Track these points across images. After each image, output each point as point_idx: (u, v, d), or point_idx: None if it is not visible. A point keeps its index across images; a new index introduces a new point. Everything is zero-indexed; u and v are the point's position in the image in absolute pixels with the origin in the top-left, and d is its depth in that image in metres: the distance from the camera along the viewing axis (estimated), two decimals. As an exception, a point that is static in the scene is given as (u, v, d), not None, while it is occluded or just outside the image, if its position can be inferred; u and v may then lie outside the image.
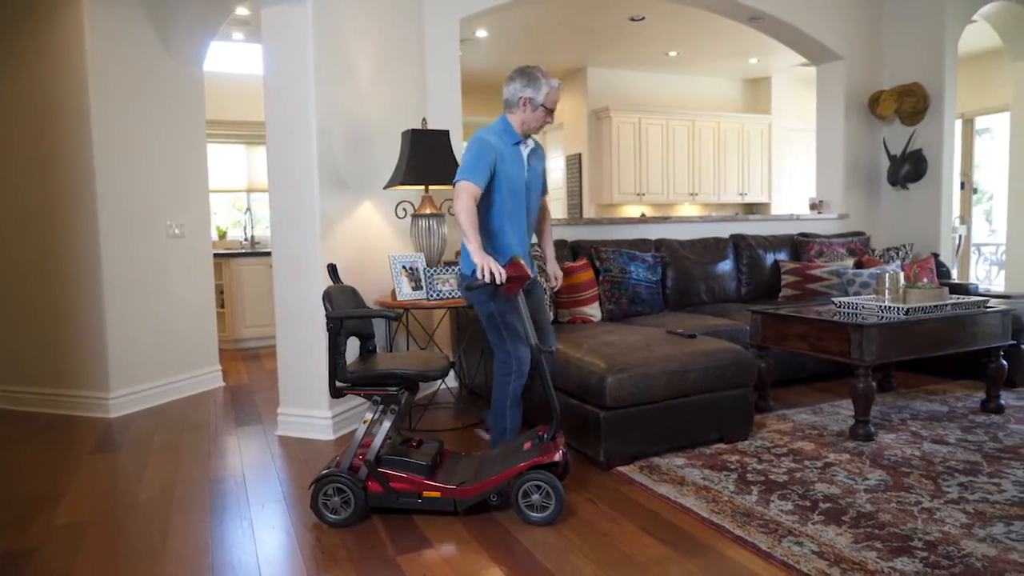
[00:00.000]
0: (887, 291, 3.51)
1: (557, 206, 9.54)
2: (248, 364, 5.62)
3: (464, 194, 2.65)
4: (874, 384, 3.20)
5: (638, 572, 2.11)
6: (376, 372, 2.54)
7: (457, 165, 3.73)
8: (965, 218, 8.72)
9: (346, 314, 2.58)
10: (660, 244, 4.73)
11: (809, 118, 9.25)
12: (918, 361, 4.53)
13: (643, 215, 8.69)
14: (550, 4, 6.25)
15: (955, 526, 2.31)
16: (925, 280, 4.85)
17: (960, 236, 8.40)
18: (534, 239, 3.16)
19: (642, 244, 4.62)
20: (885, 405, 3.80)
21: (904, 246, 5.23)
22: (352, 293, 2.81)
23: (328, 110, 3.53)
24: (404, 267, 3.58)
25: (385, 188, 3.75)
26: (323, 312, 3.32)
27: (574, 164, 9.13)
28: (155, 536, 2.45)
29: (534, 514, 2.45)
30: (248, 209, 7.46)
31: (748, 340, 3.82)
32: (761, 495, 2.62)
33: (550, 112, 2.78)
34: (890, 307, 3.39)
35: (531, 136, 2.87)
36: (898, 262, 5.05)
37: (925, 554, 2.12)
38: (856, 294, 4.60)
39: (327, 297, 2.61)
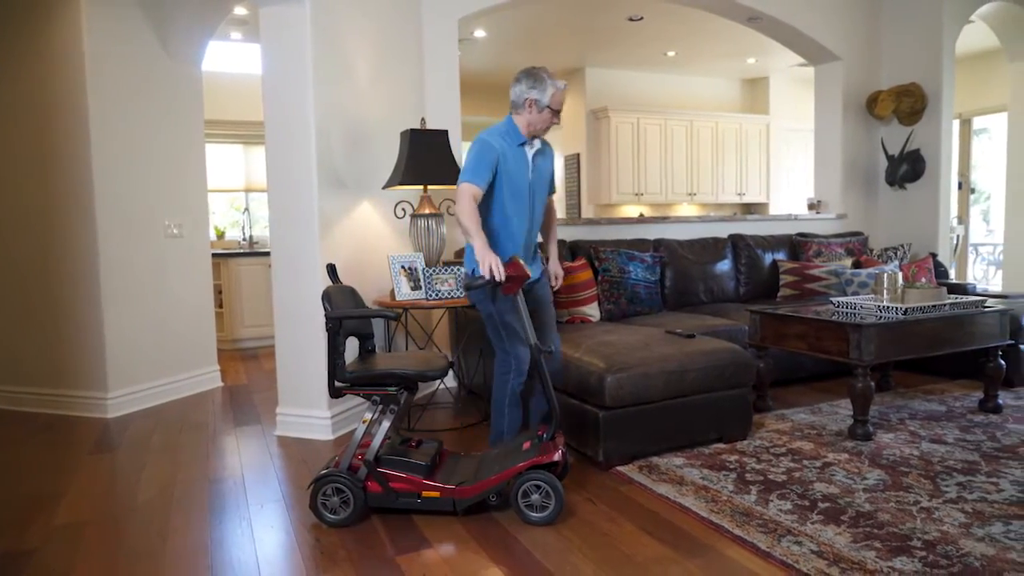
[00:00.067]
0: (885, 291, 3.51)
1: (556, 206, 9.54)
2: (246, 364, 5.62)
3: (465, 196, 2.66)
4: (872, 384, 3.21)
5: (637, 572, 2.11)
6: (375, 372, 2.54)
7: (456, 165, 3.75)
8: (963, 218, 8.74)
9: (345, 314, 2.57)
10: (659, 244, 4.73)
11: (807, 118, 9.26)
12: (916, 361, 4.54)
13: (641, 215, 8.69)
14: (548, 4, 6.25)
15: (953, 525, 2.31)
16: (923, 280, 4.86)
17: (958, 236, 8.41)
18: (539, 239, 3.16)
19: (641, 244, 4.62)
20: (883, 405, 3.80)
21: (902, 246, 5.24)
22: (351, 293, 2.81)
23: (327, 110, 3.53)
24: (403, 267, 3.58)
25: (384, 188, 3.74)
26: (322, 312, 3.32)
27: (572, 164, 9.13)
28: (154, 536, 2.45)
29: (533, 514, 2.45)
30: (246, 209, 7.45)
31: (747, 340, 3.83)
32: (760, 495, 2.62)
33: (556, 113, 2.77)
34: (888, 307, 3.39)
35: (537, 137, 2.85)
36: (896, 262, 5.06)
37: (924, 553, 2.13)
38: (854, 294, 4.61)
39: (326, 297, 2.61)
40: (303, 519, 2.56)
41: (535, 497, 2.45)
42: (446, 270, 3.56)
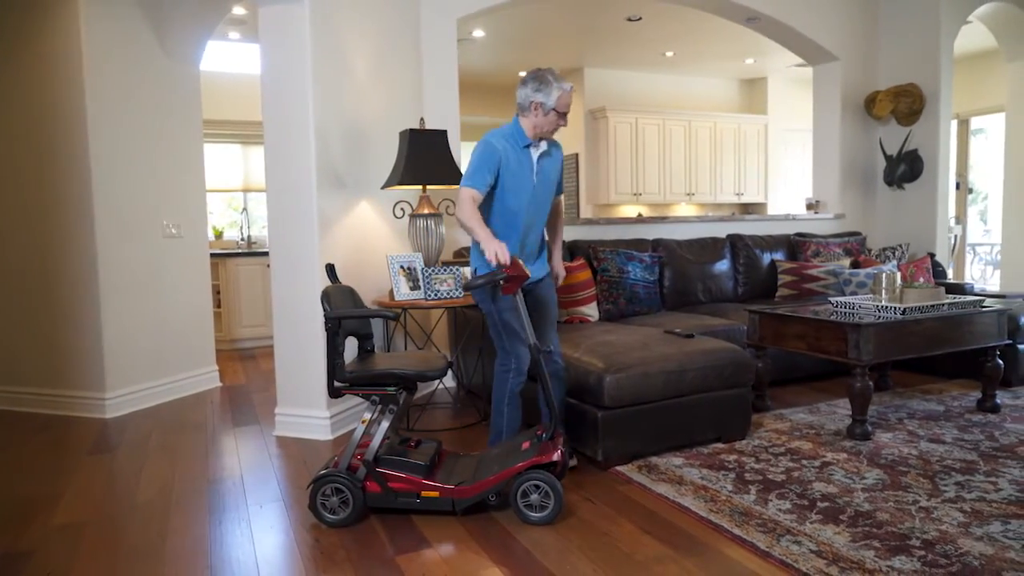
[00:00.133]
0: (884, 291, 3.52)
1: (554, 206, 9.54)
2: (245, 364, 5.61)
3: (465, 201, 2.69)
4: (871, 383, 3.21)
5: (637, 571, 2.11)
6: (375, 372, 2.54)
7: (455, 165, 3.75)
8: (960, 218, 8.75)
9: (345, 314, 2.57)
10: (657, 244, 4.73)
11: (805, 118, 9.27)
12: (914, 360, 4.55)
13: (640, 215, 8.70)
14: (547, 4, 6.25)
15: (952, 525, 2.32)
16: (921, 280, 4.87)
17: (955, 236, 8.43)
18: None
19: (639, 244, 4.63)
20: (882, 404, 3.81)
21: (900, 246, 5.25)
22: (350, 293, 2.81)
23: (326, 109, 3.53)
24: (402, 267, 3.58)
25: (383, 188, 3.74)
26: (320, 312, 3.32)
27: (571, 164, 9.14)
28: (153, 537, 2.44)
29: (533, 514, 2.46)
30: (244, 209, 7.45)
31: (745, 340, 3.83)
32: (759, 494, 2.62)
33: (563, 116, 2.76)
34: (887, 307, 3.40)
35: (544, 139, 2.84)
36: (894, 262, 5.07)
37: (923, 553, 2.13)
38: (852, 294, 4.62)
39: (325, 297, 2.61)
40: (302, 519, 2.56)
41: (534, 497, 2.45)
42: (445, 270, 3.56)
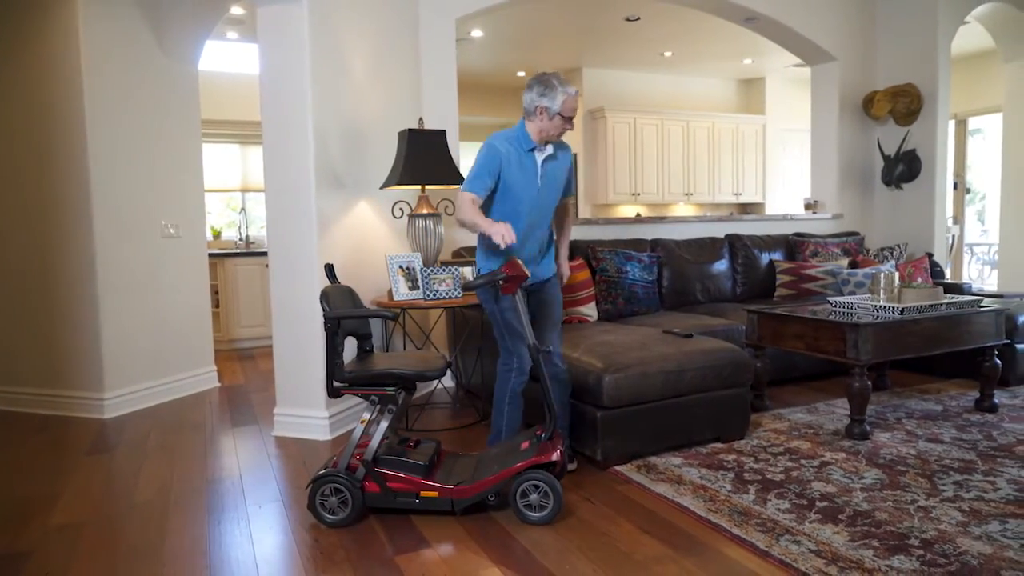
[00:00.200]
0: (882, 291, 3.52)
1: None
2: (243, 364, 5.61)
3: (464, 203, 2.72)
4: (869, 383, 3.22)
5: (636, 571, 2.12)
6: (374, 372, 2.53)
7: (454, 165, 3.75)
8: (958, 218, 8.77)
9: (344, 314, 2.57)
10: (656, 244, 4.74)
11: (803, 119, 9.28)
12: (912, 360, 4.56)
13: (638, 215, 8.71)
14: (545, 4, 6.25)
15: (951, 524, 2.32)
16: (919, 280, 4.88)
17: (953, 236, 8.44)
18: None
19: (638, 244, 4.63)
20: (880, 404, 3.81)
21: (898, 246, 5.25)
22: (349, 293, 2.81)
23: (324, 109, 3.53)
24: (401, 267, 3.58)
25: (382, 188, 3.74)
26: (319, 312, 3.31)
27: (569, 164, 9.12)
28: (152, 537, 2.44)
29: (532, 514, 2.46)
30: (243, 209, 7.44)
31: (744, 339, 3.84)
32: (758, 494, 2.63)
33: (568, 120, 2.76)
34: (885, 307, 3.40)
35: (550, 143, 2.84)
36: (892, 262, 5.08)
37: (921, 552, 2.14)
38: (851, 294, 4.62)
39: (324, 297, 2.60)
40: (301, 519, 2.56)
41: (533, 497, 2.45)
42: (444, 270, 3.56)
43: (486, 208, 2.82)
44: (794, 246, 5.20)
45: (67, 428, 3.83)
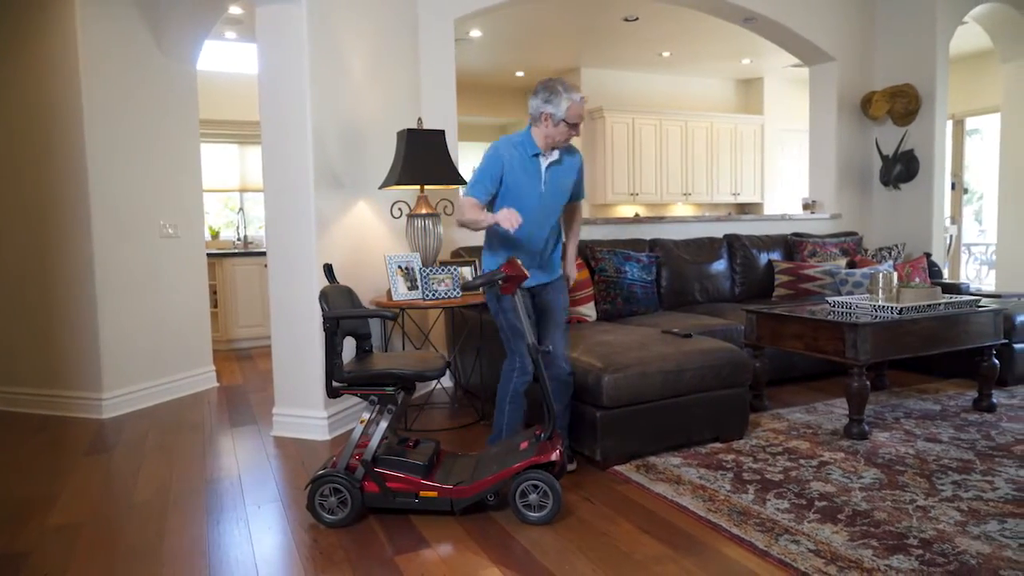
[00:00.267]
0: (881, 290, 3.53)
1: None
2: (241, 364, 5.60)
3: (466, 207, 2.76)
4: (868, 383, 3.22)
5: (636, 571, 2.12)
6: (373, 372, 2.53)
7: (452, 165, 3.75)
8: (956, 218, 8.78)
9: (343, 314, 2.57)
10: (655, 244, 4.74)
11: (801, 119, 9.28)
12: (910, 360, 4.56)
13: (637, 215, 8.71)
14: (544, 4, 6.25)
15: (950, 524, 2.33)
16: (918, 280, 4.89)
17: (951, 236, 8.46)
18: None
19: (637, 244, 4.63)
20: (878, 404, 3.82)
21: (896, 246, 5.26)
22: (348, 293, 2.80)
23: (323, 109, 3.52)
24: (400, 267, 3.58)
25: (380, 188, 3.74)
26: (318, 312, 3.32)
27: (568, 164, 9.13)
28: (151, 537, 2.44)
29: (531, 514, 2.46)
30: (241, 209, 7.43)
31: (743, 339, 3.84)
32: (757, 494, 2.63)
33: (574, 127, 2.75)
34: (884, 306, 3.41)
35: (557, 148, 2.84)
36: (891, 262, 5.08)
37: (920, 552, 2.14)
38: (849, 294, 4.63)
39: (323, 297, 2.60)
40: (301, 519, 2.55)
41: (533, 497, 2.45)
42: (443, 270, 3.56)
43: (489, 211, 2.84)
44: (792, 246, 5.20)
45: (65, 428, 3.82)
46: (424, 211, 3.71)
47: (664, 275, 4.66)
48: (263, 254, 6.10)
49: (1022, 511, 2.41)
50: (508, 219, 2.61)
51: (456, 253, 4.34)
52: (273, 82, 3.48)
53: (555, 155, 2.84)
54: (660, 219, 5.21)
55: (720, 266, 4.92)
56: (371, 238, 3.97)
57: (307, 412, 3.55)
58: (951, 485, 2.66)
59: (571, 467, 2.94)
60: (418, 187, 3.71)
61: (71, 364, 4.08)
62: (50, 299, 4.10)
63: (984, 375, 3.62)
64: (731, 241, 5.05)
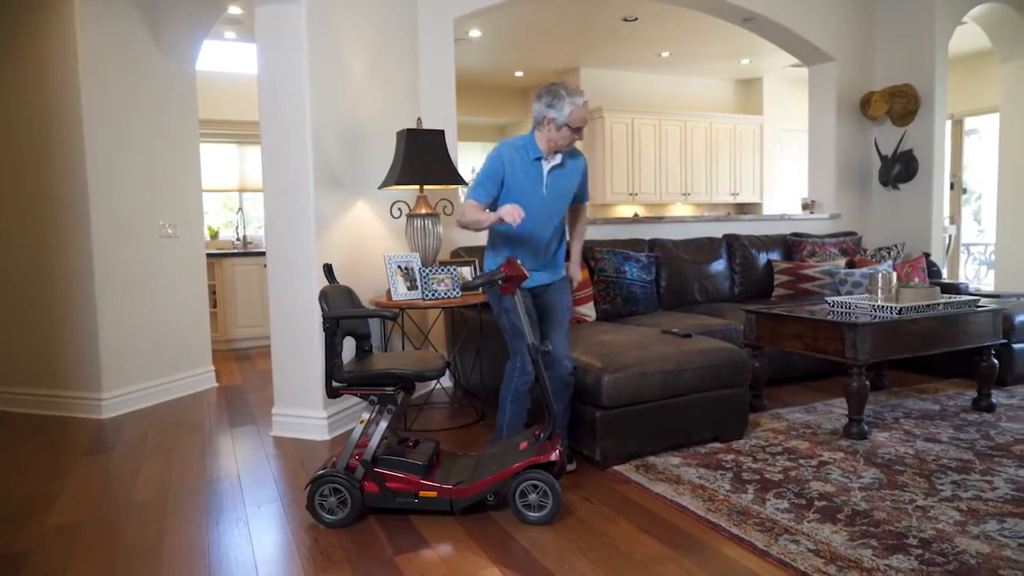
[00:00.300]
0: (880, 290, 3.53)
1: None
2: (241, 364, 5.60)
3: (466, 209, 2.78)
4: (867, 383, 3.22)
5: (636, 570, 2.12)
6: (373, 372, 2.53)
7: (452, 165, 3.75)
8: (954, 218, 8.79)
9: (343, 314, 2.57)
10: (654, 244, 4.74)
11: (801, 119, 9.28)
12: (910, 360, 4.57)
13: (636, 215, 8.71)
14: (543, 4, 6.25)
15: (949, 524, 2.33)
16: (917, 280, 4.89)
17: (950, 236, 8.46)
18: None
19: (636, 244, 4.63)
20: (878, 404, 3.82)
21: (895, 246, 5.27)
22: (348, 293, 2.80)
23: (322, 109, 3.52)
24: (399, 267, 3.58)
25: (380, 188, 3.74)
26: (318, 312, 3.32)
27: (567, 164, 9.13)
28: (151, 537, 2.44)
29: (531, 514, 2.46)
30: (240, 209, 7.43)
31: (742, 339, 3.84)
32: (757, 494, 2.63)
33: (577, 131, 2.74)
34: (883, 306, 3.41)
35: (560, 152, 2.84)
36: (890, 262, 5.09)
37: (920, 551, 2.14)
38: (848, 293, 4.63)
39: (323, 297, 2.60)
40: (300, 520, 2.55)
41: (532, 497, 2.46)
42: (442, 270, 3.56)
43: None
44: (792, 246, 5.21)
45: (65, 428, 3.82)
46: (424, 211, 3.71)
47: (663, 275, 4.66)
48: (262, 254, 6.10)
49: (1021, 511, 2.42)
50: (511, 213, 2.61)
51: (456, 253, 4.34)
52: (272, 82, 3.48)
53: (557, 159, 2.84)
54: (659, 219, 5.21)
55: (719, 266, 4.92)
56: (371, 238, 3.97)
57: (307, 412, 3.55)
58: (950, 485, 2.66)
59: (571, 467, 2.94)
60: (418, 187, 3.71)
61: (70, 364, 4.08)
62: (49, 299, 4.10)
63: (983, 375, 3.62)
64: (730, 241, 5.05)
